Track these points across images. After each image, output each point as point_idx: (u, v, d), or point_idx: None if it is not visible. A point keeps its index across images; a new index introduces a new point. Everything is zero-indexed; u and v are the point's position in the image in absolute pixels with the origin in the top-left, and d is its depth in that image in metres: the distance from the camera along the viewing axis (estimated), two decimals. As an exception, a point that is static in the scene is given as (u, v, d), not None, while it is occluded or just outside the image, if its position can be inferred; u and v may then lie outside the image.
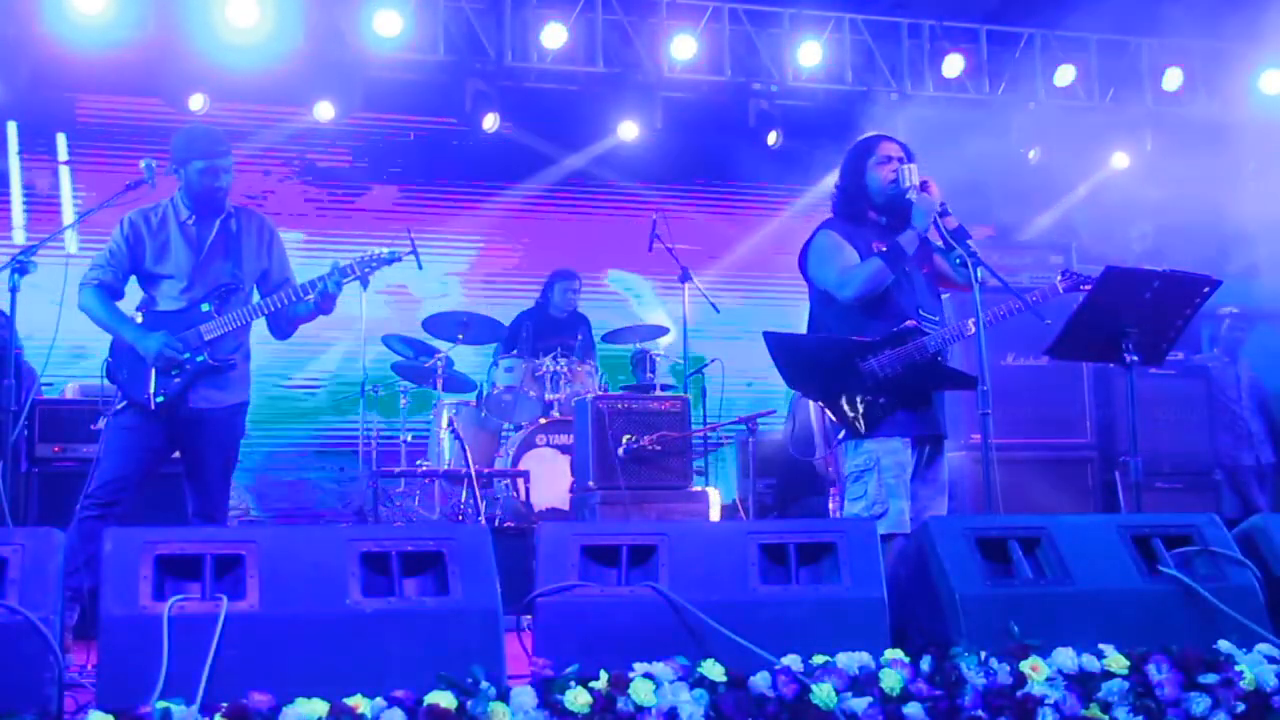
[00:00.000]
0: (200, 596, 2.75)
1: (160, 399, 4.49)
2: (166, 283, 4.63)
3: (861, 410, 4.26)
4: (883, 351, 4.26)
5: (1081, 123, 9.30)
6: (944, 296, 4.68)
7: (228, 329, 4.56)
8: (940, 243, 4.38)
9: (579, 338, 8.11)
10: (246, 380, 4.75)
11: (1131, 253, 8.81)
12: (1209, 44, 9.20)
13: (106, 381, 4.62)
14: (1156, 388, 6.92)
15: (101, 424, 4.72)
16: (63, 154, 8.71)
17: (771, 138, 9.39)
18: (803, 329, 4.60)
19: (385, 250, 4.78)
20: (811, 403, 4.77)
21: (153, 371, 4.50)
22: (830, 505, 7.05)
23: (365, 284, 5.24)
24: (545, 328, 8.12)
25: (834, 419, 4.35)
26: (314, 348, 8.89)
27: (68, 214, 8.47)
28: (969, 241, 4.28)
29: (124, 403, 4.55)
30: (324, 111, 8.65)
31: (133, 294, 4.79)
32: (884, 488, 4.20)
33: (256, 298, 4.72)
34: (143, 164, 4.65)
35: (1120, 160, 9.61)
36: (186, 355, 4.50)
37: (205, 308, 4.57)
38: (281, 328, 4.82)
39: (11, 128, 8.60)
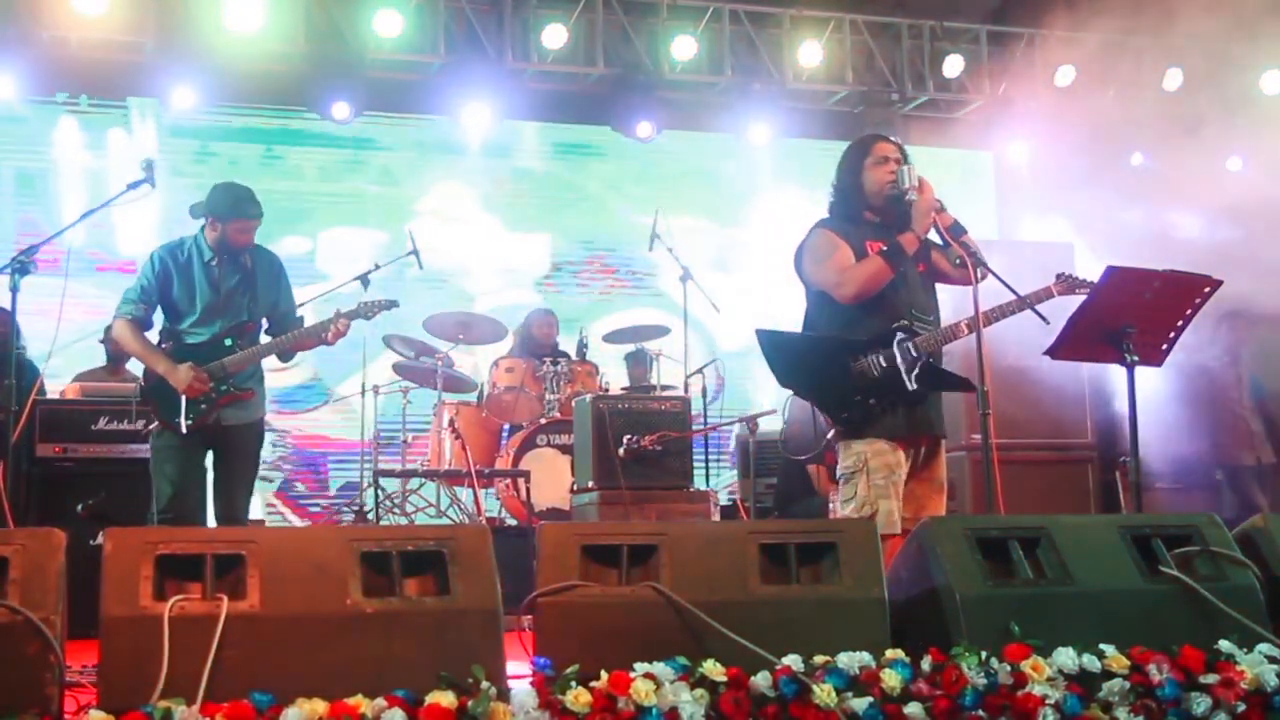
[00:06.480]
0: (201, 596, 2.76)
1: (190, 423, 4.98)
2: (190, 317, 5.10)
3: (850, 411, 4.25)
4: (874, 352, 4.24)
5: (1085, 121, 9.29)
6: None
7: (248, 363, 5.09)
8: (939, 240, 4.36)
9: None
10: (263, 400, 5.31)
11: (1134, 253, 8.80)
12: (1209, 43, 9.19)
13: (139, 403, 5.30)
14: (1157, 388, 6.90)
15: (106, 424, 5.65)
16: (64, 153, 8.71)
17: (766, 136, 9.39)
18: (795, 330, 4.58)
19: (384, 299, 5.33)
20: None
21: (183, 399, 4.97)
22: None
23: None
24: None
25: (825, 419, 4.35)
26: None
27: (68, 213, 8.45)
28: (965, 238, 4.26)
29: (158, 425, 5.04)
30: (323, 111, 8.65)
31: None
32: (874, 489, 4.19)
33: (265, 331, 5.24)
34: (142, 162, 4.77)
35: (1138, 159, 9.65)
36: (213, 386, 5.00)
37: (228, 343, 5.08)
38: (287, 355, 5.37)
39: (11, 126, 8.60)
